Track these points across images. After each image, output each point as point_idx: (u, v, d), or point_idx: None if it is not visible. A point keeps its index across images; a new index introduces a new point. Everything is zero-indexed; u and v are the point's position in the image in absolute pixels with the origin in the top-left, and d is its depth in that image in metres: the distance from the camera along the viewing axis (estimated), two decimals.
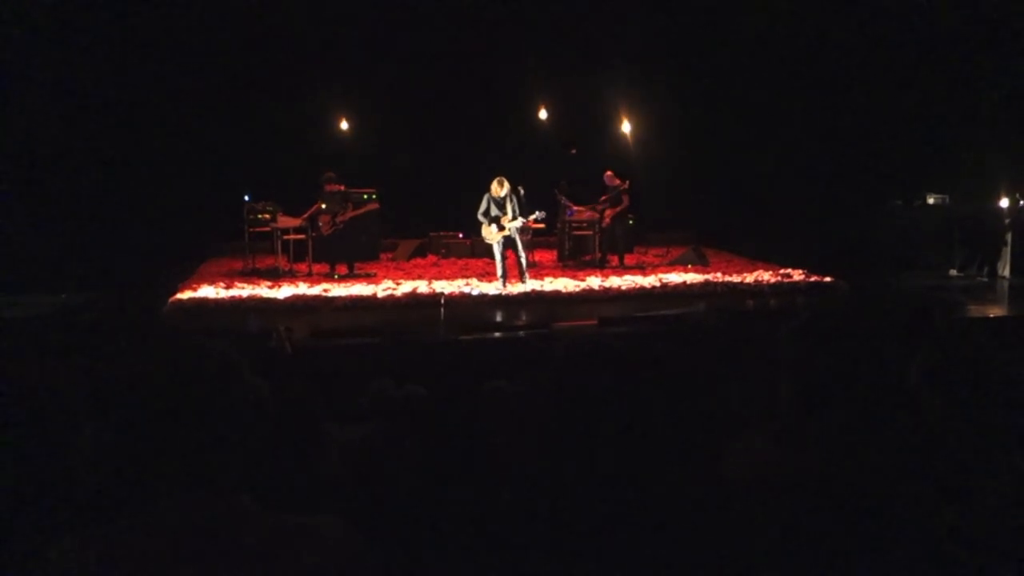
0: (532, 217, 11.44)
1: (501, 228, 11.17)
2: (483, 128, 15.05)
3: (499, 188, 11.14)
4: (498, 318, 10.07)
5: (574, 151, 14.62)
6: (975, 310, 9.92)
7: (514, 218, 11.14)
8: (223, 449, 1.59)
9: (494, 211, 11.21)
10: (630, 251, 13.93)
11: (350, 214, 12.50)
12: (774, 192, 14.93)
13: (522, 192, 11.55)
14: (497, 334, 9.01)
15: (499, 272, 11.34)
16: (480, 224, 11.36)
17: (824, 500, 1.88)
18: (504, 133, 15.12)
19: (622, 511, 1.88)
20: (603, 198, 13.60)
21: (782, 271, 12.09)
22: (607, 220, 13.39)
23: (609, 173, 13.56)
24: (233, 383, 1.63)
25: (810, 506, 1.88)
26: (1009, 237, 12.12)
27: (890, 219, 13.91)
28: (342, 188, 12.52)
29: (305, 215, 12.39)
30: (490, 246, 11.57)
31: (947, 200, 13.50)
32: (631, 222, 13.69)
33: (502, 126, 15.20)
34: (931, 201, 13.58)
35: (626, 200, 13.36)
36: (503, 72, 15.07)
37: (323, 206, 12.28)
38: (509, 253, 11.43)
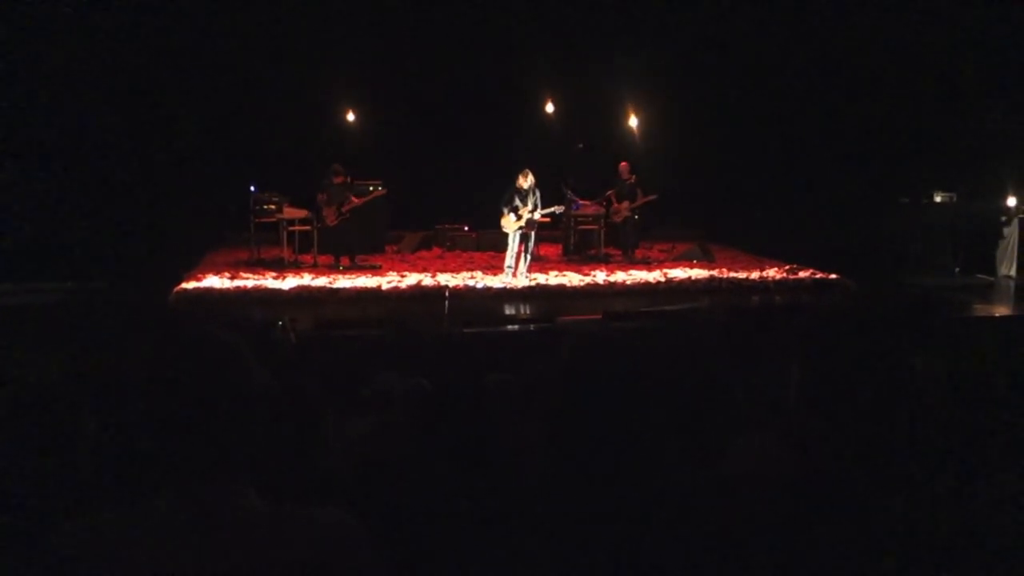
0: (550, 211, 11.56)
1: (519, 218, 11.26)
2: (490, 121, 15.02)
3: (523, 180, 11.29)
4: (503, 312, 10.07)
5: (582, 146, 14.59)
6: (980, 309, 9.89)
7: (533, 211, 11.25)
8: (226, 440, 1.59)
9: (516, 202, 11.30)
10: (636, 247, 13.89)
11: (356, 202, 12.55)
12: (780, 189, 14.89)
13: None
14: (501, 328, 9.02)
15: (508, 262, 11.39)
16: (501, 213, 11.44)
17: (827, 499, 1.88)
18: (511, 126, 15.09)
19: (625, 508, 1.88)
20: (609, 192, 13.57)
21: (788, 268, 12.07)
22: (624, 213, 13.33)
23: (624, 165, 13.50)
24: (238, 373, 1.63)
25: (813, 505, 1.88)
26: (1015, 236, 12.08)
27: (896, 217, 13.87)
28: (347, 180, 12.61)
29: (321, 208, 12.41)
30: (503, 237, 11.64)
31: (954, 198, 13.45)
32: (636, 217, 13.64)
33: (509, 119, 15.17)
34: (938, 199, 13.53)
35: (641, 195, 13.31)
36: (511, 65, 15.04)
37: (323, 197, 12.32)
38: (520, 247, 11.48)
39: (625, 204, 13.36)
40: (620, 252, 13.68)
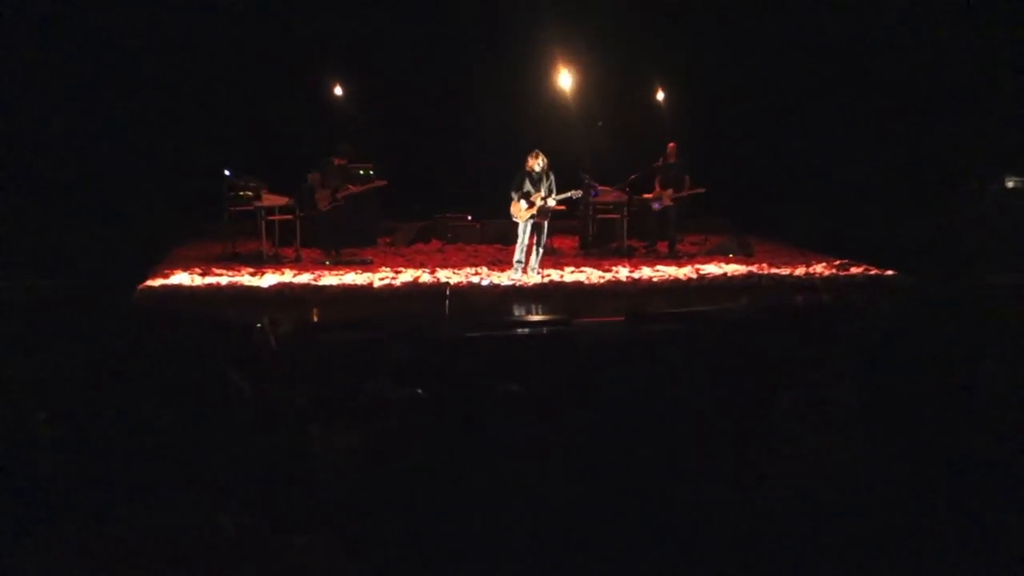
0: (565, 197, 11.51)
1: (531, 205, 11.22)
2: (496, 95, 15.00)
3: (535, 163, 11.25)
4: (511, 313, 10.07)
5: (600, 123, 14.58)
6: None
7: (546, 197, 11.21)
8: (198, 456, 1.60)
9: (526, 187, 11.26)
10: (677, 240, 13.76)
11: (353, 190, 12.61)
12: (830, 174, 14.83)
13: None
14: (510, 331, 9.03)
15: (517, 256, 11.36)
16: (511, 200, 11.41)
17: (882, 524, 1.88)
18: (521, 101, 15.07)
19: (652, 537, 1.88)
20: (632, 176, 13.52)
21: (838, 263, 12.04)
22: (667, 201, 13.26)
23: (672, 146, 13.42)
24: (211, 382, 1.63)
25: (866, 530, 1.88)
26: None
27: (962, 206, 13.81)
28: (347, 164, 12.72)
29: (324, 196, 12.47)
30: (511, 228, 11.62)
31: None
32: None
33: (518, 93, 15.15)
34: (1010, 185, 13.46)
35: (688, 183, 13.25)
36: (520, 31, 15.01)
37: (317, 177, 12.36)
38: (531, 239, 11.45)
39: (669, 191, 13.27)
40: (644, 244, 13.62)
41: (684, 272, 11.71)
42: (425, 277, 11.24)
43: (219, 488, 1.63)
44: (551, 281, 11.20)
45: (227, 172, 13.02)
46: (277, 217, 12.68)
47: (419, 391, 3.77)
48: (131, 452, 1.59)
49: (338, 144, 12.61)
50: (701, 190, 13.25)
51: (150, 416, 1.59)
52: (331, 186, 12.43)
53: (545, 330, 8.97)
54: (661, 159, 13.43)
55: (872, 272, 11.58)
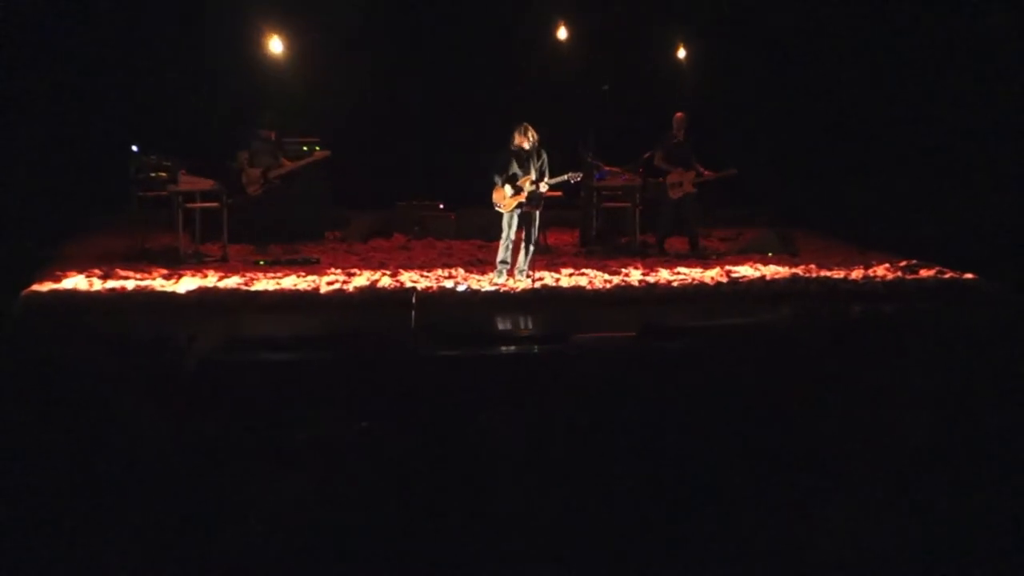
0: (561, 180, 11.48)
1: (518, 191, 11.20)
2: (476, 55, 15.03)
3: (523, 139, 11.22)
4: (495, 326, 10.09)
5: (607, 87, 14.63)
6: None
7: (537, 181, 11.18)
8: (96, 510, 1.59)
9: (513, 169, 11.24)
10: (698, 234, 13.80)
11: (289, 166, 12.58)
12: (893, 155, 14.90)
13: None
14: (492, 349, 9.03)
15: (501, 255, 11.35)
16: (493, 184, 11.38)
17: None
18: (507, 62, 15.11)
19: None
20: (645, 155, 13.56)
21: (904, 264, 12.10)
22: (687, 188, 13.27)
23: (680, 116, 13.42)
24: (113, 414, 1.63)
25: None
26: None
27: None
28: (279, 138, 12.69)
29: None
30: (495, 219, 11.57)
31: None
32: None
33: (504, 52, 15.19)
34: None
35: (694, 160, 13.28)
36: None
37: (245, 156, 12.36)
38: (519, 234, 11.44)
39: (691, 175, 13.28)
40: (656, 240, 13.65)
41: (711, 275, 11.72)
42: (385, 281, 11.23)
43: (122, 550, 1.63)
44: (544, 286, 11.21)
45: (135, 148, 12.98)
46: (198, 205, 12.62)
47: (376, 425, 3.77)
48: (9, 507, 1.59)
49: (264, 112, 12.54)
50: (732, 172, 13.28)
51: (35, 455, 1.58)
52: (261, 165, 12.41)
53: (536, 348, 8.97)
54: (681, 134, 13.42)
55: (947, 275, 11.63)
